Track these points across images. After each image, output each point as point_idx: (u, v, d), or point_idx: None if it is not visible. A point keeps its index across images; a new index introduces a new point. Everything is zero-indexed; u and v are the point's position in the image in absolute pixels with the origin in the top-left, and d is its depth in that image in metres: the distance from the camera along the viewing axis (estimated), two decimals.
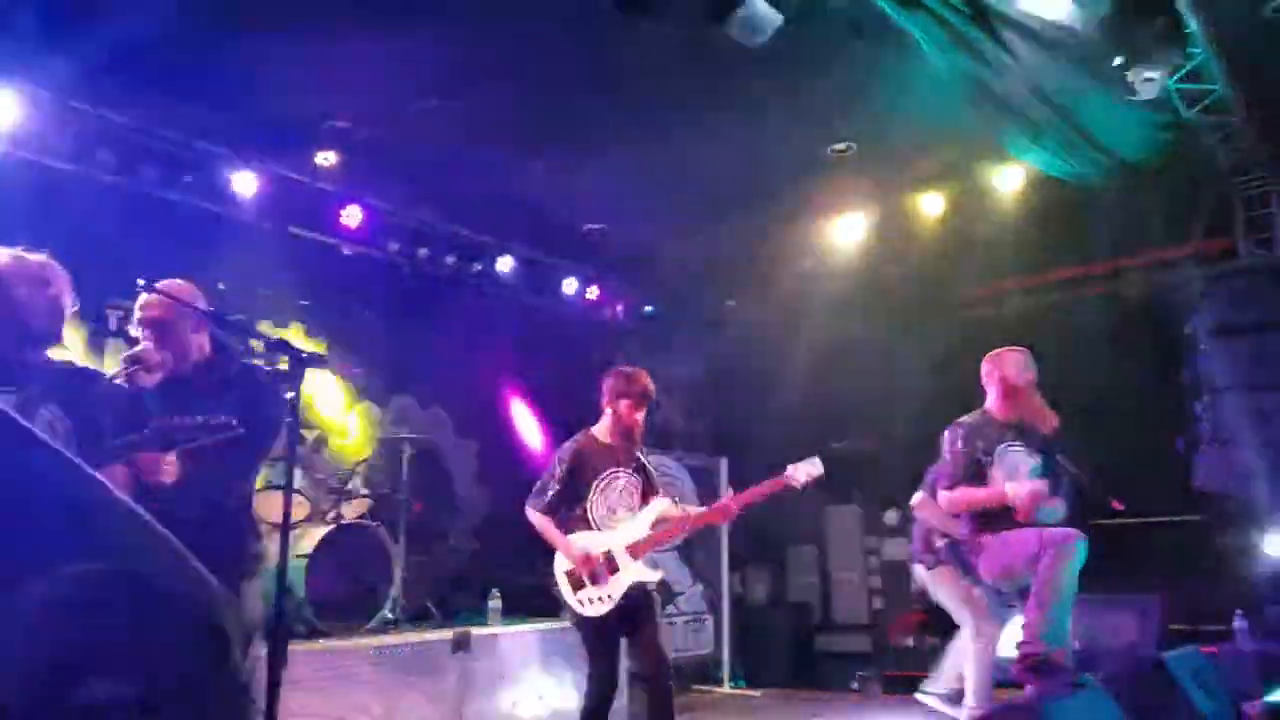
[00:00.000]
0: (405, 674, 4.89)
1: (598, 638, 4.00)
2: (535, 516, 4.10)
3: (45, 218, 5.24)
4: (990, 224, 6.50)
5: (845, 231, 7.06)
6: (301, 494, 5.48)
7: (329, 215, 6.40)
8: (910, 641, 6.87)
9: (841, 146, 6.00)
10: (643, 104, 5.34)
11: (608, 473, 4.12)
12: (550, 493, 4.07)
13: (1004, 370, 4.17)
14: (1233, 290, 5.99)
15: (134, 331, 3.03)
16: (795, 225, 7.04)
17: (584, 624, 4.02)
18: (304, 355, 2.62)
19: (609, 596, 3.96)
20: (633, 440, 4.21)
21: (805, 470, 4.22)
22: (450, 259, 7.11)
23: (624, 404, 4.15)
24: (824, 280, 7.34)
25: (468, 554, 7.33)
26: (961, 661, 4.80)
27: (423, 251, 6.93)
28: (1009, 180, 6.26)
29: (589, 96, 5.24)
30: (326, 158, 6.04)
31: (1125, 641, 5.68)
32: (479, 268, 7.33)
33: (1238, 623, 5.29)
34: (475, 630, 5.32)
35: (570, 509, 4.09)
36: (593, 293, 8.25)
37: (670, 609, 7.24)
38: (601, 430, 4.22)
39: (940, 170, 6.40)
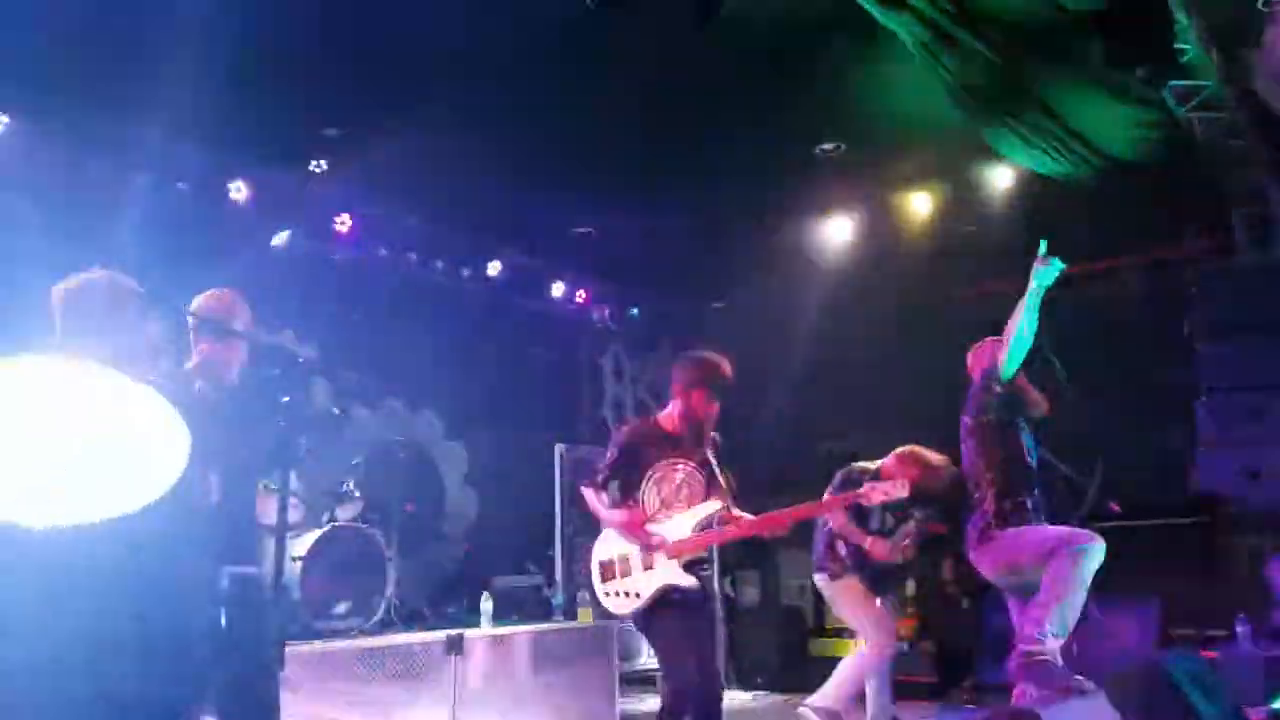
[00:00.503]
0: (399, 676, 4.88)
1: (657, 633, 3.66)
2: (587, 492, 3.84)
3: (42, 223, 5.31)
4: (980, 223, 6.48)
5: (834, 232, 7.06)
6: (297, 497, 5.48)
7: (321, 221, 6.44)
8: (905, 646, 6.81)
9: (830, 146, 6.01)
10: (630, 107, 5.34)
11: (665, 463, 3.75)
12: (601, 475, 3.81)
13: (994, 358, 4.14)
14: (1229, 288, 5.96)
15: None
16: (784, 226, 7.04)
17: (636, 620, 3.72)
18: (299, 360, 2.62)
19: (637, 594, 3.63)
20: (702, 433, 3.83)
21: (884, 490, 3.85)
22: (439, 263, 7.16)
23: (696, 395, 3.79)
24: (813, 281, 7.33)
25: (460, 556, 7.32)
26: (847, 676, 4.79)
27: (412, 256, 6.97)
28: (999, 179, 6.25)
29: (575, 98, 5.26)
30: (319, 164, 6.06)
31: (1125, 646, 5.63)
32: (468, 272, 7.36)
33: (1239, 627, 5.24)
34: (468, 632, 5.31)
35: (621, 496, 3.80)
36: (580, 296, 8.26)
37: None
38: (667, 418, 3.88)
39: (929, 170, 6.40)
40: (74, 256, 5.14)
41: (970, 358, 4.29)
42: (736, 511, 3.77)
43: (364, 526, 5.60)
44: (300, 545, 5.21)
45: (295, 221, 6.37)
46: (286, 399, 2.59)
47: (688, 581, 3.62)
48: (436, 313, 7.32)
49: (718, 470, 3.79)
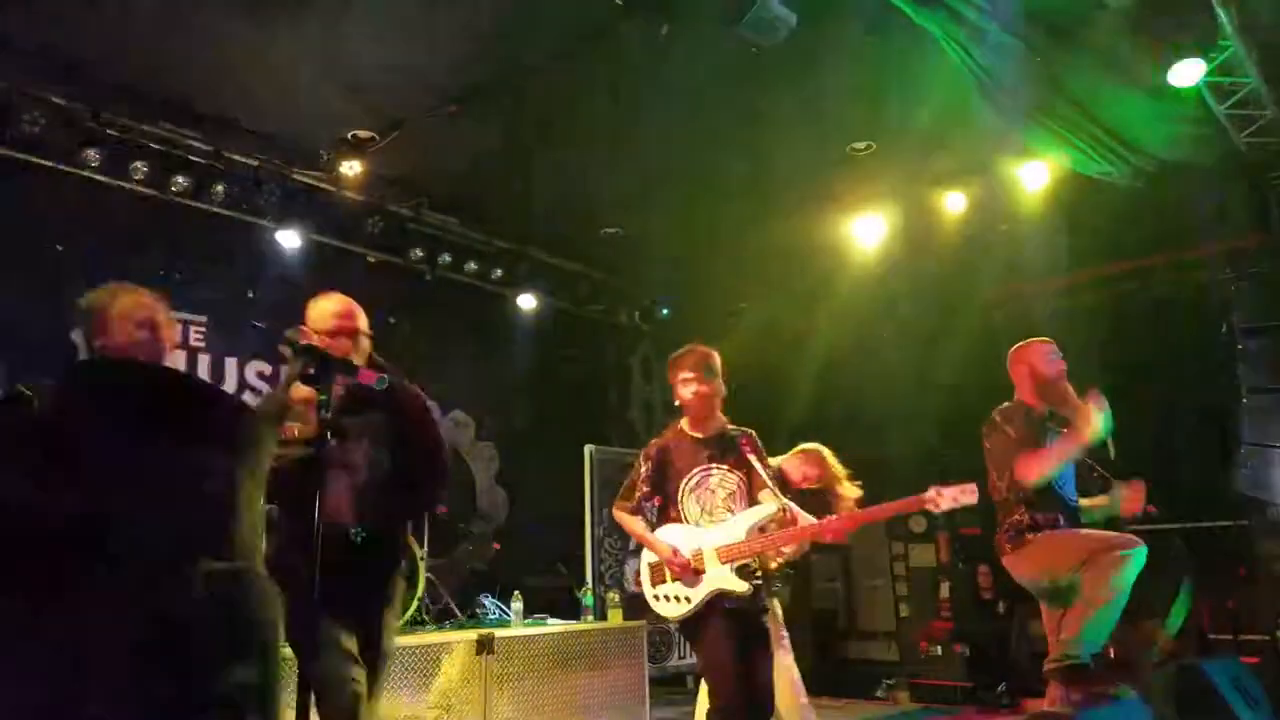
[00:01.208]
0: (430, 675, 4.91)
1: (705, 643, 3.44)
2: (620, 515, 3.72)
3: (71, 225, 5.42)
4: (1014, 223, 6.40)
5: (866, 231, 6.99)
6: None
7: (354, 223, 6.50)
8: (938, 650, 6.76)
9: (862, 145, 5.97)
10: (661, 106, 5.35)
11: (696, 470, 3.61)
12: (638, 494, 3.66)
13: (1033, 361, 4.05)
14: (1269, 287, 5.86)
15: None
16: (815, 225, 6.99)
17: (683, 627, 3.59)
18: (333, 361, 2.63)
19: (687, 599, 3.49)
20: (719, 427, 3.68)
21: (952, 495, 3.61)
22: (471, 265, 7.20)
23: (677, 388, 3.67)
24: (844, 281, 7.28)
25: (490, 555, 7.36)
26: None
27: (445, 258, 7.02)
28: (1033, 178, 6.15)
29: (606, 99, 5.27)
30: (351, 166, 6.11)
31: (1164, 650, 5.55)
32: (499, 273, 7.40)
33: (1279, 631, 5.15)
34: (498, 632, 5.33)
35: (663, 513, 3.64)
36: (609, 297, 8.27)
37: None
38: (687, 422, 3.71)
39: (962, 168, 6.33)
40: (111, 260, 5.27)
41: (1012, 358, 4.19)
42: (797, 511, 3.56)
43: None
44: None
45: (327, 222, 6.42)
46: (323, 396, 2.60)
47: (741, 588, 3.43)
48: (467, 314, 7.38)
49: (762, 469, 3.57)
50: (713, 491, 3.57)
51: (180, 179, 5.69)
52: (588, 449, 6.71)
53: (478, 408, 7.66)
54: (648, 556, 3.65)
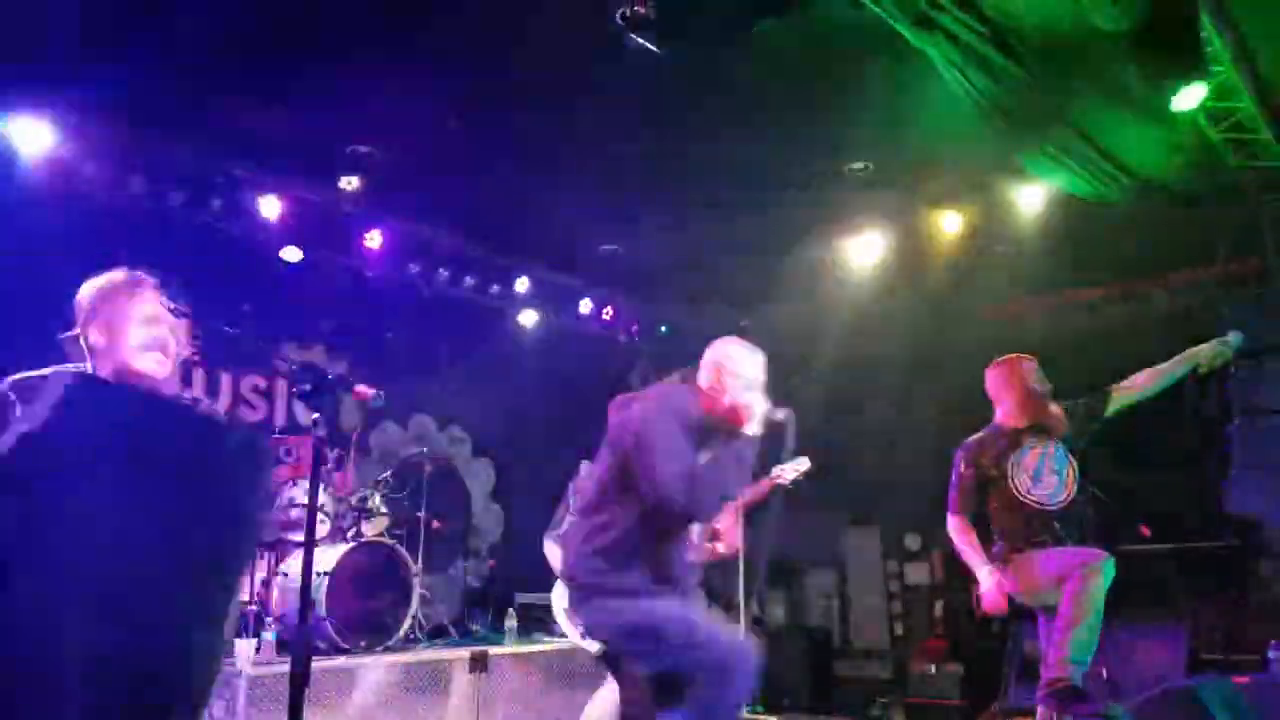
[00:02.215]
0: (423, 693, 4.89)
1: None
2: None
3: (72, 241, 5.41)
4: (1010, 243, 6.45)
5: (863, 250, 7.03)
6: (323, 511, 5.51)
7: (352, 238, 6.51)
8: (933, 668, 6.75)
9: (859, 166, 6.00)
10: (658, 124, 5.38)
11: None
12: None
13: (1025, 378, 4.13)
14: (1261, 311, 5.89)
15: None
16: (813, 244, 7.03)
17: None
18: (329, 377, 2.63)
19: None
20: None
21: (793, 468, 4.34)
22: (469, 280, 7.21)
23: None
24: (841, 299, 7.31)
25: (485, 573, 7.34)
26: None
27: (442, 273, 7.03)
28: (1029, 199, 6.20)
29: (605, 118, 5.29)
30: (350, 182, 6.12)
31: (1154, 671, 5.55)
32: (497, 289, 7.42)
33: (1272, 652, 5.16)
34: (492, 649, 5.31)
35: None
36: (608, 313, 8.28)
37: None
38: None
39: (958, 189, 6.38)
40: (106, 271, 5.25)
41: (999, 372, 4.25)
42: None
43: (390, 542, 5.62)
44: (327, 560, 5.23)
45: (325, 238, 6.43)
46: (316, 415, 2.60)
47: None
48: (465, 329, 7.38)
49: None
50: None
51: (178, 191, 5.69)
52: (584, 465, 6.69)
53: (474, 423, 7.65)
54: (562, 601, 4.03)
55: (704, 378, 3.24)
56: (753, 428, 3.14)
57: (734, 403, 3.16)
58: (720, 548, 4.36)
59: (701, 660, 2.93)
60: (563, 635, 5.31)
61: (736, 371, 3.20)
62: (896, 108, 5.22)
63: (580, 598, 3.10)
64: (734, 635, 3.42)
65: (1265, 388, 5.92)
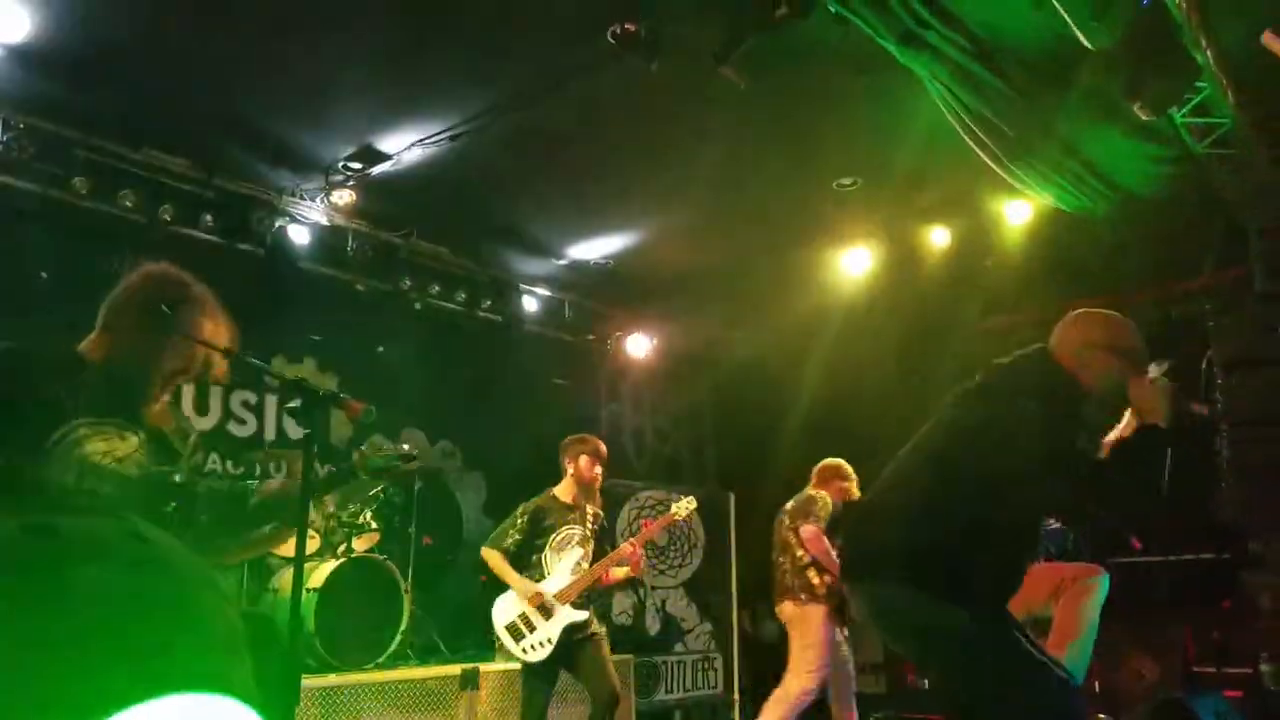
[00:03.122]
0: (414, 710, 4.86)
1: (538, 679, 4.53)
2: (492, 556, 4.64)
3: (62, 253, 5.40)
4: (998, 257, 6.49)
5: (852, 265, 7.06)
6: (313, 527, 5.49)
7: (343, 251, 6.51)
8: (926, 683, 6.74)
9: (848, 181, 6.04)
10: (649, 140, 5.41)
11: (564, 528, 4.72)
12: (508, 540, 4.65)
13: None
14: (1249, 322, 5.93)
15: None
16: (802, 259, 7.06)
17: (529, 670, 4.54)
18: (320, 393, 2.61)
19: (549, 640, 4.48)
20: (591, 495, 4.87)
21: (685, 506, 5.12)
22: (461, 294, 7.21)
23: (583, 460, 4.79)
24: (831, 314, 7.34)
25: (476, 588, 7.30)
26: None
27: (434, 287, 7.03)
28: (1016, 214, 6.25)
29: (594, 132, 5.32)
30: (342, 195, 6.13)
31: (1147, 684, 5.56)
32: (488, 302, 7.42)
33: (1264, 665, 5.17)
34: (484, 666, 5.28)
35: (524, 560, 4.67)
36: (600, 326, 8.30)
37: (678, 647, 7.16)
38: (562, 489, 4.84)
39: (947, 204, 6.42)
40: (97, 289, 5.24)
41: None
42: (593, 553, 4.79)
43: (381, 558, 5.60)
44: (316, 576, 5.21)
45: (316, 250, 6.42)
46: (307, 431, 2.59)
47: (580, 616, 4.57)
48: (456, 343, 7.39)
49: (590, 525, 4.82)
50: (571, 544, 4.74)
51: (169, 206, 5.68)
52: None
53: (466, 437, 7.63)
54: (501, 620, 4.57)
55: None
56: None
57: None
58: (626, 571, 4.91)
59: None
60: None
61: None
62: (884, 124, 5.26)
63: None
64: None
65: (1253, 398, 5.95)
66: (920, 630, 2.52)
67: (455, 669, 5.15)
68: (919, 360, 7.30)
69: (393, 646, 5.34)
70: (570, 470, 4.82)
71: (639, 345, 8.35)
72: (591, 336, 8.37)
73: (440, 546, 6.71)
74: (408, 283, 6.88)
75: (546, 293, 7.83)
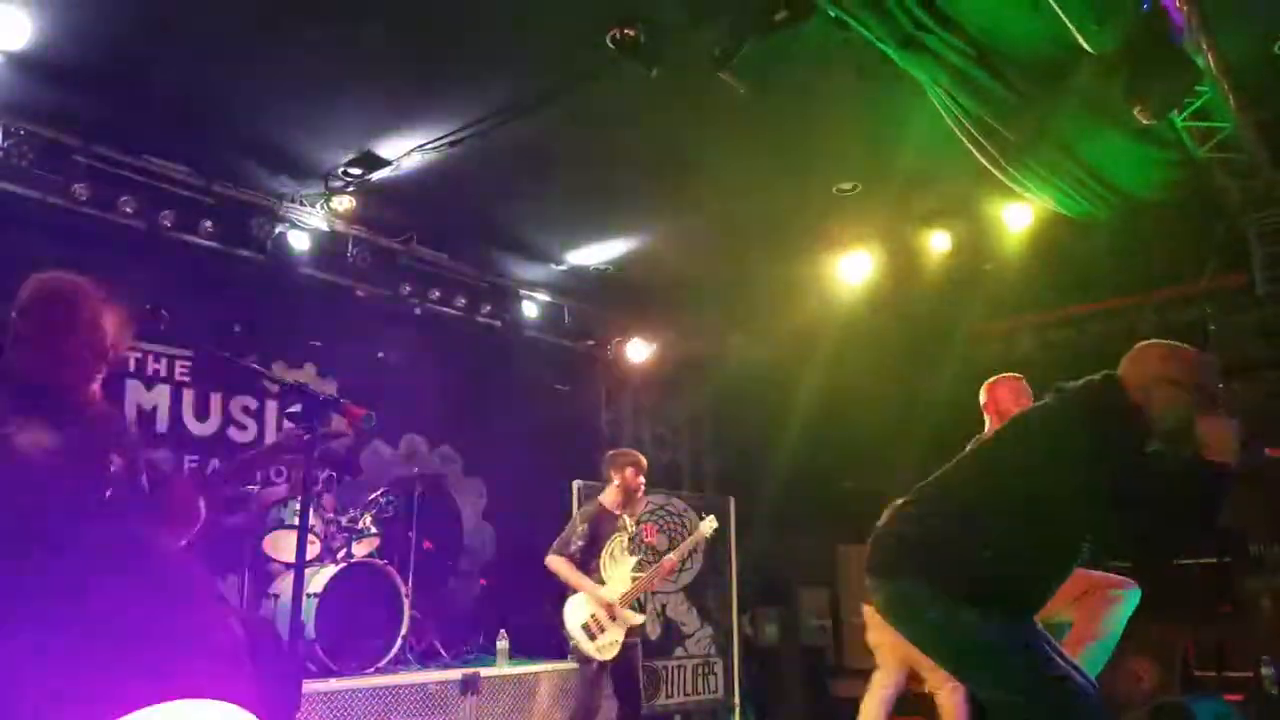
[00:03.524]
0: (414, 715, 4.86)
1: (596, 681, 4.86)
2: (560, 563, 4.90)
3: (64, 257, 5.40)
4: (999, 261, 6.48)
5: (852, 269, 7.06)
6: (313, 532, 5.48)
7: (343, 257, 6.51)
8: (926, 688, 6.72)
9: (848, 186, 6.04)
10: (649, 146, 5.41)
11: (614, 535, 5.01)
12: (572, 547, 4.91)
13: (1020, 399, 4.11)
14: (1249, 326, 5.93)
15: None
16: (802, 263, 7.06)
17: (593, 670, 4.84)
18: (320, 398, 2.63)
19: (616, 642, 4.84)
20: (634, 506, 5.18)
21: (709, 525, 5.53)
22: (461, 300, 7.21)
23: (629, 472, 5.07)
24: (831, 319, 7.33)
25: (476, 593, 7.29)
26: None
27: (434, 293, 7.02)
28: (1017, 217, 6.24)
29: (596, 137, 5.32)
30: (341, 201, 6.13)
31: (1146, 687, 5.55)
32: (488, 308, 7.42)
33: (1264, 668, 5.16)
34: (484, 671, 5.28)
35: (585, 565, 4.92)
36: (600, 331, 8.29)
37: (679, 651, 7.15)
38: (609, 500, 5.09)
39: (947, 208, 6.42)
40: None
41: (985, 394, 4.25)
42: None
43: (381, 563, 5.59)
44: (316, 582, 5.20)
45: (316, 255, 6.42)
46: (307, 436, 2.60)
47: (640, 619, 5.06)
48: (456, 349, 7.38)
49: (634, 534, 5.18)
50: (621, 550, 5.06)
51: (168, 212, 5.68)
52: (576, 484, 6.69)
53: (466, 442, 7.63)
54: (577, 619, 4.83)
55: None
56: None
57: None
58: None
59: None
60: (555, 657, 5.48)
61: None
62: (884, 128, 5.26)
63: None
64: None
65: (1254, 404, 5.95)
66: (934, 628, 2.54)
67: (455, 673, 5.16)
68: (921, 365, 7.30)
69: (393, 651, 5.33)
70: (617, 481, 5.09)
71: (639, 351, 8.35)
72: (591, 342, 8.36)
73: (440, 551, 6.70)
74: (407, 288, 6.88)
75: (546, 298, 7.83)
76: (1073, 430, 2.54)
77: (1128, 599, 3.61)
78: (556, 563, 4.92)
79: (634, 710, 4.89)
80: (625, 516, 5.12)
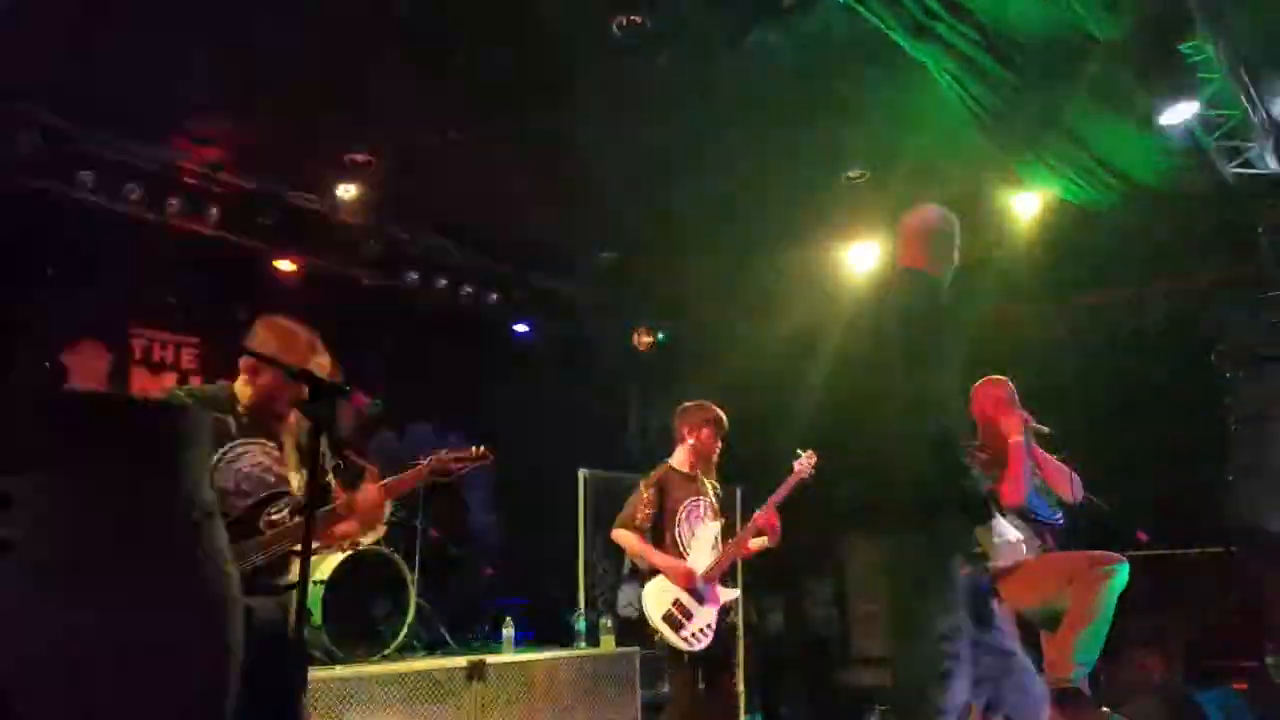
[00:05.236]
0: (421, 702, 4.87)
1: (690, 672, 4.13)
2: (628, 537, 4.26)
3: (68, 246, 5.41)
4: (1006, 250, 6.46)
5: (860, 258, 7.03)
6: None
7: (349, 246, 6.51)
8: None
9: (856, 174, 6.02)
10: (657, 134, 5.39)
11: (689, 500, 4.32)
12: (639, 516, 4.23)
13: (999, 405, 4.11)
14: (1257, 317, 5.92)
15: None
16: (810, 252, 7.04)
17: (684, 661, 4.13)
18: (327, 385, 2.62)
19: (709, 626, 4.14)
20: (710, 467, 4.47)
21: (807, 461, 4.49)
22: (467, 289, 7.20)
23: (705, 432, 4.39)
24: (839, 306, 7.31)
25: (483, 581, 7.31)
26: None
27: (440, 282, 7.02)
28: (1025, 206, 6.22)
29: (601, 124, 5.31)
30: (347, 189, 6.12)
31: (1154, 677, 5.55)
32: (495, 297, 7.41)
33: (1270, 658, 5.17)
34: (490, 658, 5.29)
35: (660, 537, 4.25)
36: (607, 321, 8.29)
37: None
38: (680, 460, 4.44)
39: (954, 196, 6.38)
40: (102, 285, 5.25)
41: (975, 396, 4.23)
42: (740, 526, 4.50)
43: (387, 551, 5.61)
44: (323, 569, 5.22)
45: (319, 245, 6.42)
46: (315, 423, 2.61)
47: (733, 594, 4.35)
48: (463, 338, 7.38)
49: (714, 498, 4.45)
50: (700, 519, 4.36)
51: (174, 201, 5.68)
52: (582, 472, 6.69)
53: (472, 431, 7.64)
54: (657, 609, 4.12)
55: None
56: None
57: None
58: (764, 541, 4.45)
59: None
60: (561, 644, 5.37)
61: None
62: (893, 116, 5.24)
63: None
64: None
65: (1263, 394, 5.95)
66: None
67: (462, 661, 5.16)
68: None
69: (399, 639, 5.35)
70: (691, 440, 4.37)
71: (645, 340, 8.34)
72: (598, 332, 8.35)
73: (446, 539, 6.71)
74: (414, 277, 6.88)
75: (553, 287, 7.82)
76: None
77: (1117, 575, 3.66)
78: (623, 536, 4.27)
79: (730, 705, 4.23)
80: (703, 478, 4.43)
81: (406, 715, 4.75)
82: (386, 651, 5.26)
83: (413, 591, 5.51)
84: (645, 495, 4.26)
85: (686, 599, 4.12)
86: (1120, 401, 6.21)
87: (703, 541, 4.24)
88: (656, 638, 4.17)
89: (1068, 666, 3.58)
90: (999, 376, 4.19)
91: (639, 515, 4.22)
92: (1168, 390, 6.35)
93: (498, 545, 7.66)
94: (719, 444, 4.40)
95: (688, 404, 4.58)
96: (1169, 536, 5.93)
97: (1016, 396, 4.12)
